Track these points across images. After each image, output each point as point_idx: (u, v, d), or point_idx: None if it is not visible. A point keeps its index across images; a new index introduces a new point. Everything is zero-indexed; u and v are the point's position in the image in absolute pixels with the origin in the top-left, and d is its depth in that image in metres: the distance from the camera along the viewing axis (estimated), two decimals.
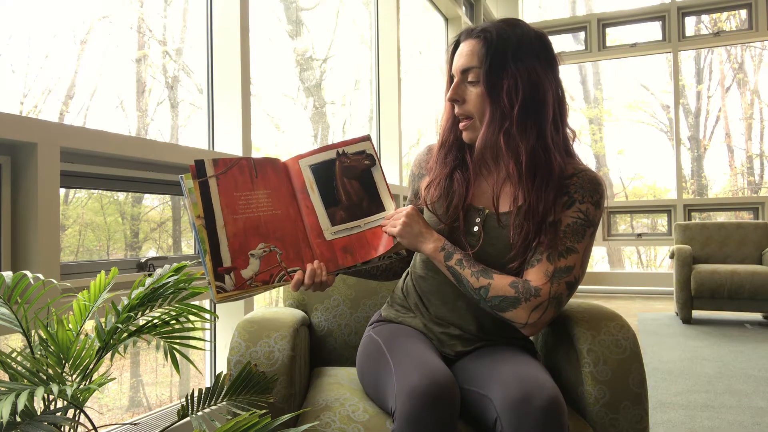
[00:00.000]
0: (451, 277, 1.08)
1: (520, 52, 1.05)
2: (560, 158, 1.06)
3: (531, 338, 1.28)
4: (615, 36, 6.19)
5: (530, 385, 0.91)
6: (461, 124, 1.12)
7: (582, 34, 6.28)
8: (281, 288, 1.60)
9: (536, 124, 1.05)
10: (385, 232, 1.07)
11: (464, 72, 1.08)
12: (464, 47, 1.09)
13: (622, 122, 7.67)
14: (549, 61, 1.08)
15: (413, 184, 1.27)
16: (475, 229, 1.12)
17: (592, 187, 1.08)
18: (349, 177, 1.08)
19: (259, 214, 1.02)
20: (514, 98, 1.03)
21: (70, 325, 0.96)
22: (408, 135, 4.02)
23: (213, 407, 0.98)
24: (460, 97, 1.10)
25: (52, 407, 0.87)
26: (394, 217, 1.07)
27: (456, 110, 1.12)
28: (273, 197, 1.04)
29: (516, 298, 1.02)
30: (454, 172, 1.16)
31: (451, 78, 1.12)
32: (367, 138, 1.11)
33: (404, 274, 1.29)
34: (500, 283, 1.03)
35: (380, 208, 1.09)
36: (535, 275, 1.04)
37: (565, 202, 1.07)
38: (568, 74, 7.32)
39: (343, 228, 1.07)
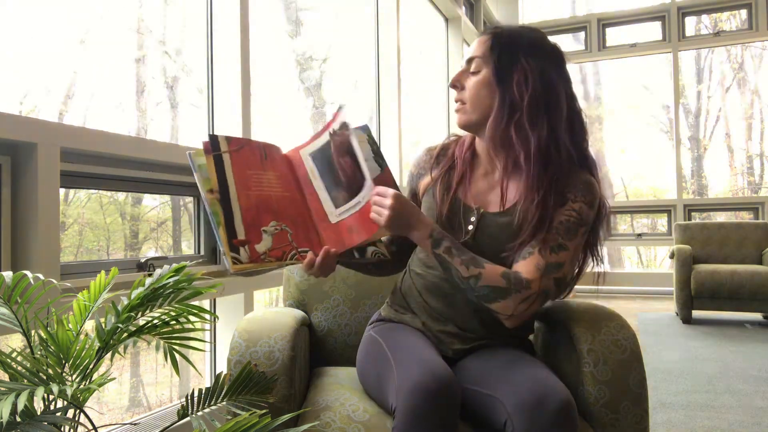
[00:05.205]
0: (437, 264, 1.07)
1: (532, 51, 1.09)
2: (570, 157, 1.09)
3: (530, 337, 1.28)
4: (615, 36, 6.19)
5: (543, 388, 0.91)
6: (455, 108, 1.17)
7: (582, 34, 6.28)
8: (281, 288, 1.60)
9: (547, 119, 1.07)
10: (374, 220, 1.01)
11: (468, 61, 1.14)
12: (475, 41, 1.16)
13: (622, 122, 7.66)
14: (562, 69, 1.12)
15: (411, 184, 1.28)
16: (470, 227, 1.13)
17: (586, 187, 1.09)
18: (342, 154, 1.05)
19: (270, 193, 1.02)
20: (524, 90, 1.07)
21: (70, 325, 0.96)
22: (408, 135, 4.02)
23: (213, 407, 0.98)
24: (459, 84, 1.15)
25: (52, 407, 0.87)
26: (378, 204, 1.01)
27: (455, 96, 1.17)
28: (282, 180, 1.05)
29: (506, 289, 1.01)
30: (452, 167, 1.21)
31: None
32: (341, 107, 1.08)
33: (402, 274, 1.29)
34: (491, 273, 1.02)
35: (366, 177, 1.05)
36: (526, 267, 1.04)
37: (557, 200, 1.07)
38: None
39: (347, 208, 1.05)
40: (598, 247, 1.18)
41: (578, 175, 1.10)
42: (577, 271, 1.19)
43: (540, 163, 1.06)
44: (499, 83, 1.09)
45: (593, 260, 1.19)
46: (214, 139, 0.99)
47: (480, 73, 1.12)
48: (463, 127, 1.16)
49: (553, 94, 1.08)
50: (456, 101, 1.17)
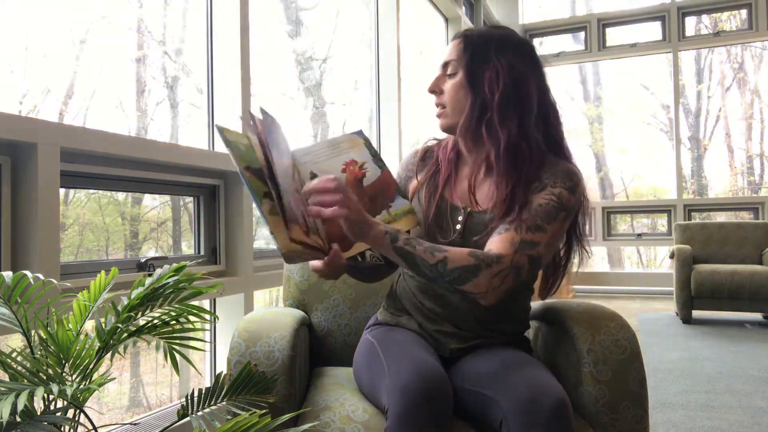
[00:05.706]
0: (399, 260, 1.00)
1: (503, 48, 1.11)
2: (540, 151, 1.09)
3: (528, 336, 1.29)
4: (615, 36, 6.19)
5: (539, 387, 0.91)
6: (436, 113, 1.17)
7: (582, 34, 6.28)
8: (281, 288, 1.60)
9: (517, 115, 1.08)
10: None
11: (444, 66, 1.16)
12: (449, 45, 1.17)
13: (623, 122, 7.67)
14: (533, 62, 1.13)
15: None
16: (458, 227, 1.13)
17: (565, 175, 1.09)
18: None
19: (294, 188, 1.00)
20: (495, 88, 1.08)
21: (70, 325, 0.96)
22: (408, 135, 4.02)
23: (213, 407, 0.98)
24: (438, 89, 1.16)
25: (52, 407, 0.87)
26: (335, 204, 0.94)
27: (435, 101, 1.17)
28: (295, 175, 1.04)
29: (476, 266, 0.98)
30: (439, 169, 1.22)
31: None
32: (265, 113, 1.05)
33: (397, 277, 1.29)
34: (457, 254, 0.99)
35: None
36: (499, 243, 1.02)
37: (535, 187, 1.08)
38: (567, 74, 7.32)
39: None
40: (584, 236, 1.18)
41: (557, 164, 1.10)
42: (564, 260, 1.19)
43: (509, 160, 1.07)
44: (472, 83, 1.10)
45: (580, 250, 1.18)
46: (253, 118, 0.98)
47: (456, 76, 1.13)
48: (446, 130, 1.18)
49: (524, 89, 1.09)
50: (437, 106, 1.17)
